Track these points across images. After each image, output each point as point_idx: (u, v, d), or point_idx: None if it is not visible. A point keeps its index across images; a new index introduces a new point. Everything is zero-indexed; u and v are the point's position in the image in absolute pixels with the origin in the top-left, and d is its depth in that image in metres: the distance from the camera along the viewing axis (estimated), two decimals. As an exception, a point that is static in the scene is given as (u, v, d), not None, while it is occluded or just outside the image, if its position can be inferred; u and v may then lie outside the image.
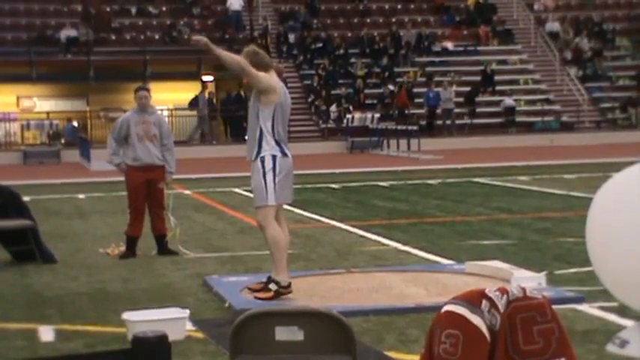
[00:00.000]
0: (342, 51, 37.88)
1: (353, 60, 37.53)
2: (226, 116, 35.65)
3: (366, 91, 36.28)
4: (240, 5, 38.67)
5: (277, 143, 8.02)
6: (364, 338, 6.61)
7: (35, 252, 10.41)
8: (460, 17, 40.85)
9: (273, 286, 8.00)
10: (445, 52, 39.01)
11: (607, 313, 7.29)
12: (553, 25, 40.52)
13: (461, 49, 39.22)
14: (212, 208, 15.89)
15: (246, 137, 8.28)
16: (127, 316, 6.89)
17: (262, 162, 7.97)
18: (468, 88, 36.36)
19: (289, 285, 8.03)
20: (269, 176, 7.96)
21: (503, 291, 3.56)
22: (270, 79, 8.10)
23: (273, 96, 8.06)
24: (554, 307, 3.64)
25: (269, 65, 8.22)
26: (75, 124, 35.90)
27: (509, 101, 35.58)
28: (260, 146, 8.00)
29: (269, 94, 8.04)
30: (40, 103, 37.38)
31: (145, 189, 10.76)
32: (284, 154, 8.04)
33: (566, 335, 3.60)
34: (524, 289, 3.59)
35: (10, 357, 6.58)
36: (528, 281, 7.72)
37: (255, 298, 7.99)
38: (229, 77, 35.47)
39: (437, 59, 38.51)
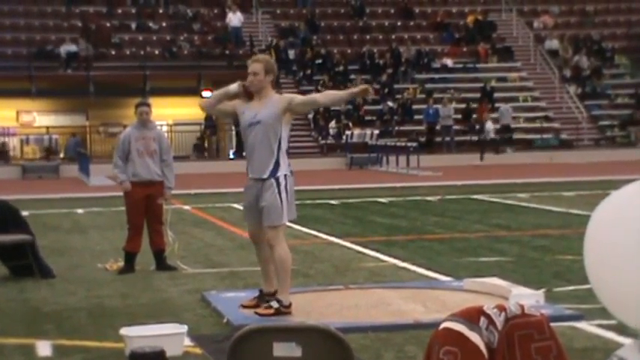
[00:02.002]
0: (341, 67, 37.96)
1: (352, 76, 37.59)
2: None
3: (366, 107, 36.33)
4: (240, 21, 38.78)
5: (287, 162, 8.08)
6: (362, 355, 6.60)
7: (33, 267, 10.39)
8: (460, 34, 40.97)
9: (275, 304, 7.99)
10: (444, 69, 39.11)
11: (606, 331, 7.28)
12: (552, 43, 40.64)
13: (460, 66, 39.32)
14: (211, 224, 15.88)
15: (254, 155, 8.03)
16: (125, 331, 6.88)
17: (277, 181, 7.95)
18: (467, 105, 36.46)
19: (290, 305, 8.03)
20: (283, 195, 7.95)
21: (502, 308, 3.56)
22: None
23: (292, 115, 8.16)
24: (552, 324, 3.63)
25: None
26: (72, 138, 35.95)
27: (505, 119, 35.50)
28: (278, 164, 7.96)
29: (292, 114, 8.13)
30: (40, 117, 37.44)
31: (144, 204, 10.76)
32: (291, 172, 8.08)
33: (564, 353, 3.59)
34: (522, 307, 3.59)
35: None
36: (527, 298, 7.71)
37: (256, 313, 7.99)
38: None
39: (436, 76, 38.61)
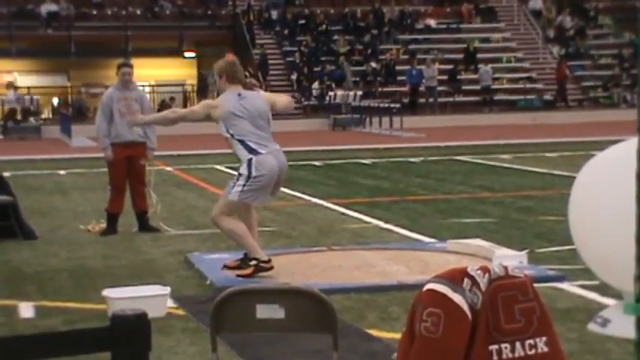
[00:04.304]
0: (324, 27, 37.75)
1: (336, 37, 37.41)
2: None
3: (350, 68, 36.15)
4: (223, -19, 38.47)
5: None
6: (345, 316, 6.60)
7: (15, 228, 10.35)
8: (443, -5, 40.76)
9: (252, 262, 8.00)
10: (428, 29, 38.95)
11: (588, 292, 7.31)
12: (536, 3, 40.51)
13: (444, 26, 39.17)
14: (193, 185, 15.84)
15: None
16: (107, 293, 6.87)
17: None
18: (450, 66, 36.34)
19: (269, 260, 8.02)
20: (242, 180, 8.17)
21: (485, 269, 3.55)
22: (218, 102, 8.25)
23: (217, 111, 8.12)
24: (535, 285, 3.63)
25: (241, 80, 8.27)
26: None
27: (486, 80, 35.41)
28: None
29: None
30: (21, 78, 37.13)
31: (126, 165, 10.71)
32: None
33: (547, 314, 3.59)
34: (505, 268, 3.58)
35: (-11, 334, 6.54)
36: (510, 260, 7.72)
37: (237, 276, 7.98)
38: (211, 54, 35.32)
39: (420, 37, 38.45)
